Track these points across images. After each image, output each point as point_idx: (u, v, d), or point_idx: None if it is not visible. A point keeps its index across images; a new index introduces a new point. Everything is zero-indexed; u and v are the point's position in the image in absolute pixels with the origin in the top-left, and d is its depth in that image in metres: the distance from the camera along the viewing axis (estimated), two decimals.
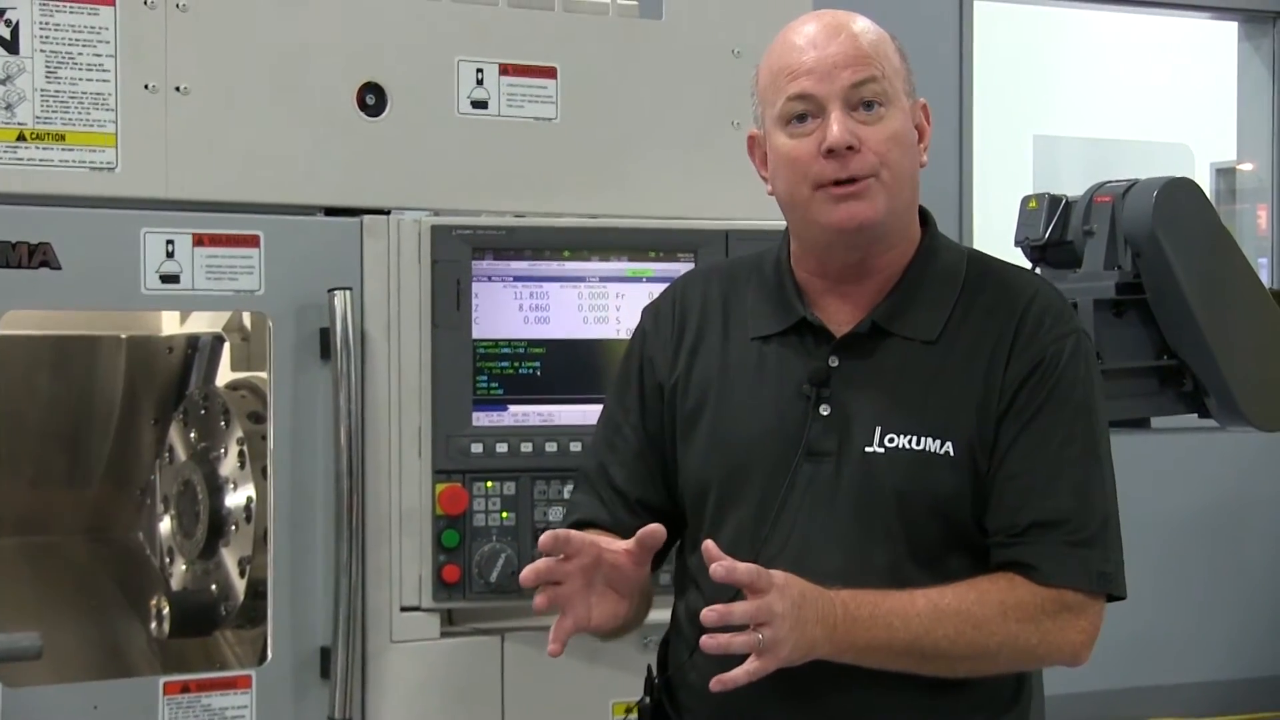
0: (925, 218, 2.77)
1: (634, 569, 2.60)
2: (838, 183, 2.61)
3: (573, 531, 2.59)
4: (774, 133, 2.67)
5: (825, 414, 2.66)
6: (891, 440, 2.63)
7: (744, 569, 2.42)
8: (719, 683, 2.44)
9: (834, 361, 2.68)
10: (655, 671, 2.89)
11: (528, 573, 2.56)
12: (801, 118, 2.63)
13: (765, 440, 2.68)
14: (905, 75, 2.67)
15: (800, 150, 2.63)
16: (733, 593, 2.49)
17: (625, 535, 2.64)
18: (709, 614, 2.41)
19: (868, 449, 2.64)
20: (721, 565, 2.42)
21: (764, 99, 2.70)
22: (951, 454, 2.62)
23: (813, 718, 2.65)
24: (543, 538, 2.55)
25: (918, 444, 2.63)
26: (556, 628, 2.59)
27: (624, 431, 2.85)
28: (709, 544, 2.46)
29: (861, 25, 2.67)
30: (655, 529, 2.55)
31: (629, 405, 2.86)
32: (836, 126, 2.59)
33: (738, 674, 2.43)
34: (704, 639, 2.42)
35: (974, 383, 2.64)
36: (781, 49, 2.68)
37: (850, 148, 2.59)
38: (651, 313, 2.90)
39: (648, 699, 2.85)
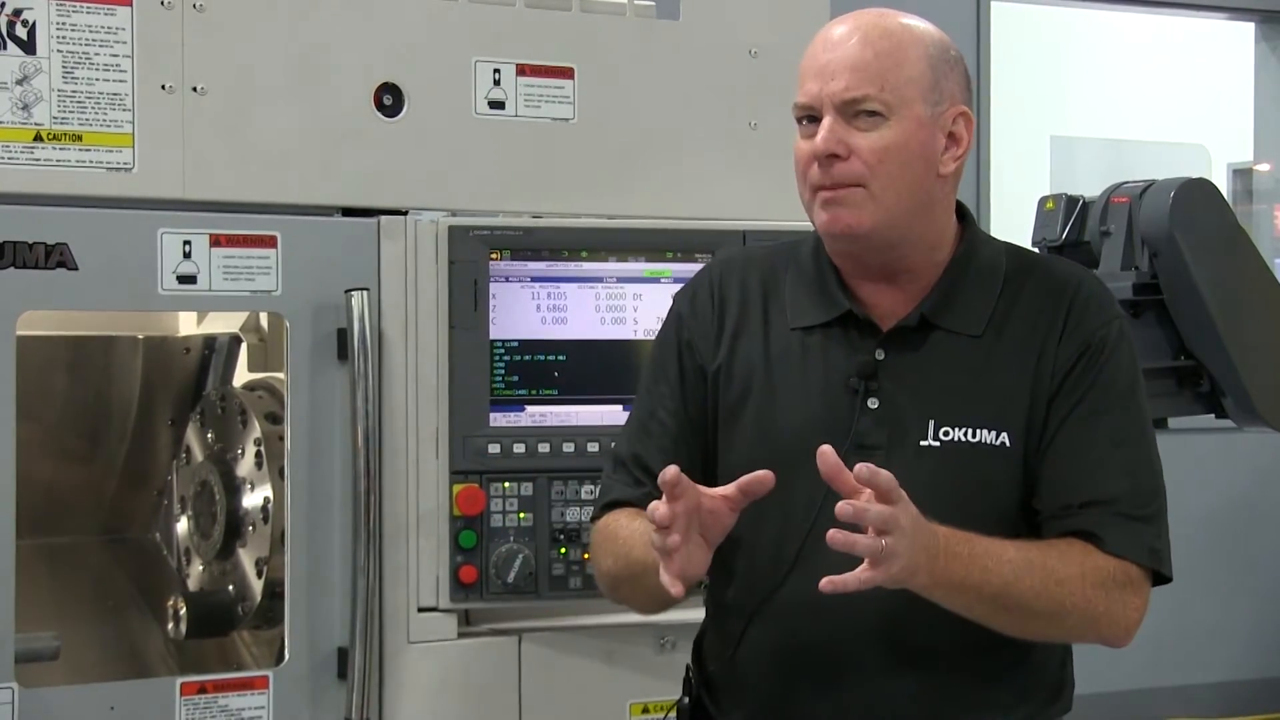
0: (964, 214, 2.78)
1: (729, 517, 2.52)
2: (825, 187, 2.63)
3: (680, 474, 2.47)
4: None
5: (874, 407, 2.66)
6: (946, 434, 2.64)
7: (885, 475, 2.37)
8: (830, 584, 2.37)
9: (880, 354, 2.68)
10: (693, 669, 2.88)
11: (664, 511, 2.44)
12: (812, 119, 2.65)
13: (812, 432, 2.63)
14: (929, 83, 2.64)
15: (801, 151, 2.66)
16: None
17: None
18: (843, 507, 2.35)
19: (922, 443, 2.65)
20: (865, 467, 2.37)
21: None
22: (1008, 444, 2.63)
23: (860, 708, 2.66)
24: (667, 471, 2.44)
25: (974, 436, 2.64)
26: (672, 571, 2.47)
27: (659, 416, 2.82)
28: (826, 448, 2.40)
29: (881, 30, 2.65)
30: (765, 475, 2.48)
31: (665, 390, 2.83)
32: (823, 134, 2.60)
33: (849, 578, 2.38)
34: (831, 533, 2.35)
35: (1025, 372, 2.65)
36: (810, 47, 2.69)
37: (836, 155, 2.60)
38: (687, 298, 2.87)
39: (686, 699, 2.85)
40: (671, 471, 2.44)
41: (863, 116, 2.60)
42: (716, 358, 2.79)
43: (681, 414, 2.81)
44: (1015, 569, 2.53)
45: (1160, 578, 2.65)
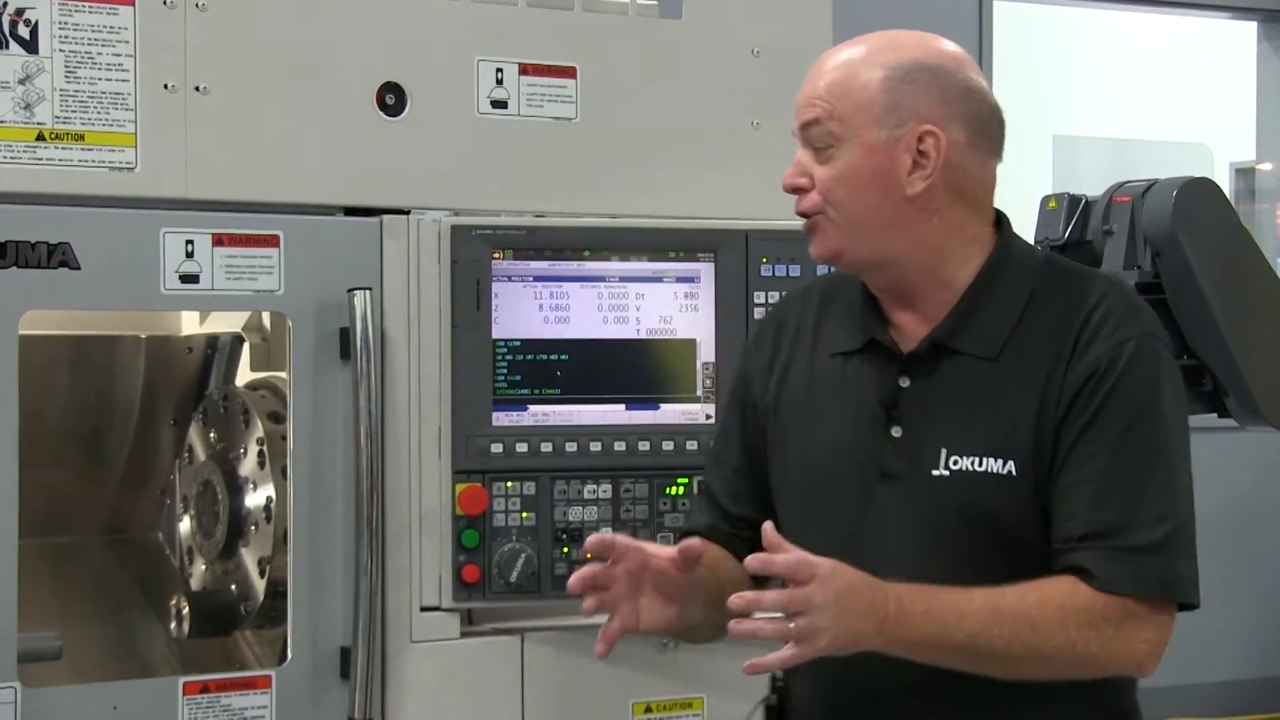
0: (1000, 226, 2.75)
1: (679, 576, 2.62)
2: (802, 217, 2.69)
3: (618, 536, 2.64)
4: None
5: (897, 436, 2.66)
6: (956, 462, 2.62)
7: (781, 561, 2.43)
8: (750, 667, 2.45)
9: (904, 382, 2.68)
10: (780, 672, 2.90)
11: (575, 579, 2.60)
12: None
13: (844, 461, 2.70)
14: (882, 107, 2.63)
15: None
16: None
17: (728, 545, 2.79)
18: (735, 600, 2.43)
19: (934, 472, 2.63)
20: (757, 559, 2.45)
21: None
22: (1014, 473, 2.59)
23: None
24: (589, 541, 2.61)
25: (979, 465, 2.61)
26: (605, 630, 2.62)
27: (727, 446, 2.92)
28: (767, 526, 2.49)
29: (837, 60, 2.68)
30: (693, 545, 2.59)
31: (731, 423, 2.93)
32: (789, 168, 2.68)
33: (771, 659, 2.45)
34: (732, 623, 2.43)
35: (1033, 397, 2.61)
36: None
37: (799, 188, 2.67)
38: (757, 329, 2.98)
39: (774, 696, 2.89)
40: (594, 541, 2.60)
41: (819, 145, 2.65)
42: (768, 390, 2.84)
43: (742, 447, 2.89)
44: (981, 620, 2.51)
45: (1187, 603, 2.62)
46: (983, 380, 2.64)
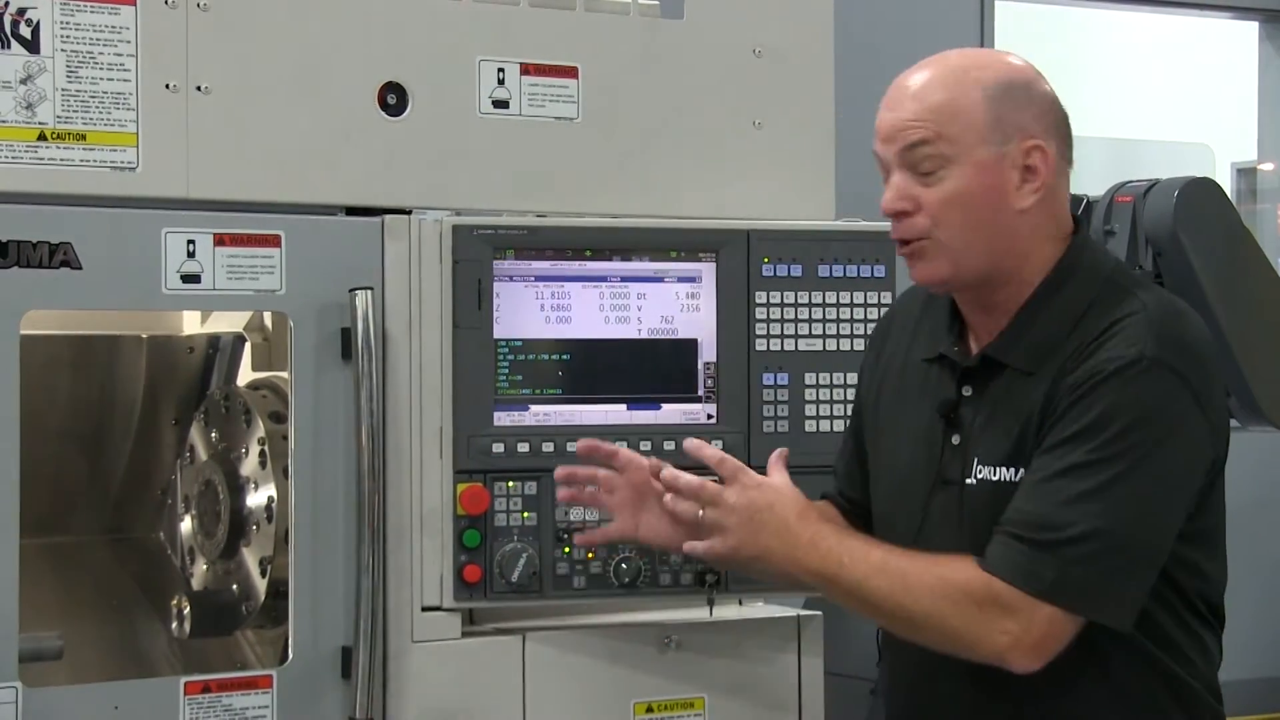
0: (1076, 230, 2.78)
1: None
2: (902, 241, 2.73)
3: (620, 448, 3.05)
4: None
5: (955, 443, 2.74)
6: (980, 472, 2.70)
7: (710, 452, 2.82)
8: (686, 548, 2.85)
9: (967, 390, 2.75)
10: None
11: (561, 470, 3.09)
12: (888, 172, 2.72)
13: (916, 463, 2.81)
14: (989, 124, 2.66)
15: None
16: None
17: (846, 518, 3.00)
18: (666, 473, 2.85)
19: (968, 480, 2.71)
20: (692, 442, 2.86)
21: None
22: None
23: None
24: (579, 444, 3.07)
25: (995, 475, 2.68)
26: (600, 529, 3.10)
27: (848, 432, 3.14)
28: (689, 441, 2.89)
29: (931, 81, 2.70)
30: (657, 466, 2.93)
31: (855, 412, 3.10)
32: (888, 193, 2.70)
33: (697, 545, 2.82)
34: (666, 497, 2.85)
35: (1039, 404, 2.64)
36: (883, 98, 2.76)
37: (902, 212, 2.69)
38: (877, 325, 3.13)
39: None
40: (583, 444, 3.05)
41: (925, 168, 2.66)
42: (872, 389, 2.98)
43: (856, 437, 3.06)
44: (870, 568, 2.65)
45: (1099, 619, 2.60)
46: (1019, 393, 2.69)
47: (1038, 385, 2.66)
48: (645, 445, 3.39)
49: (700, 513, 2.79)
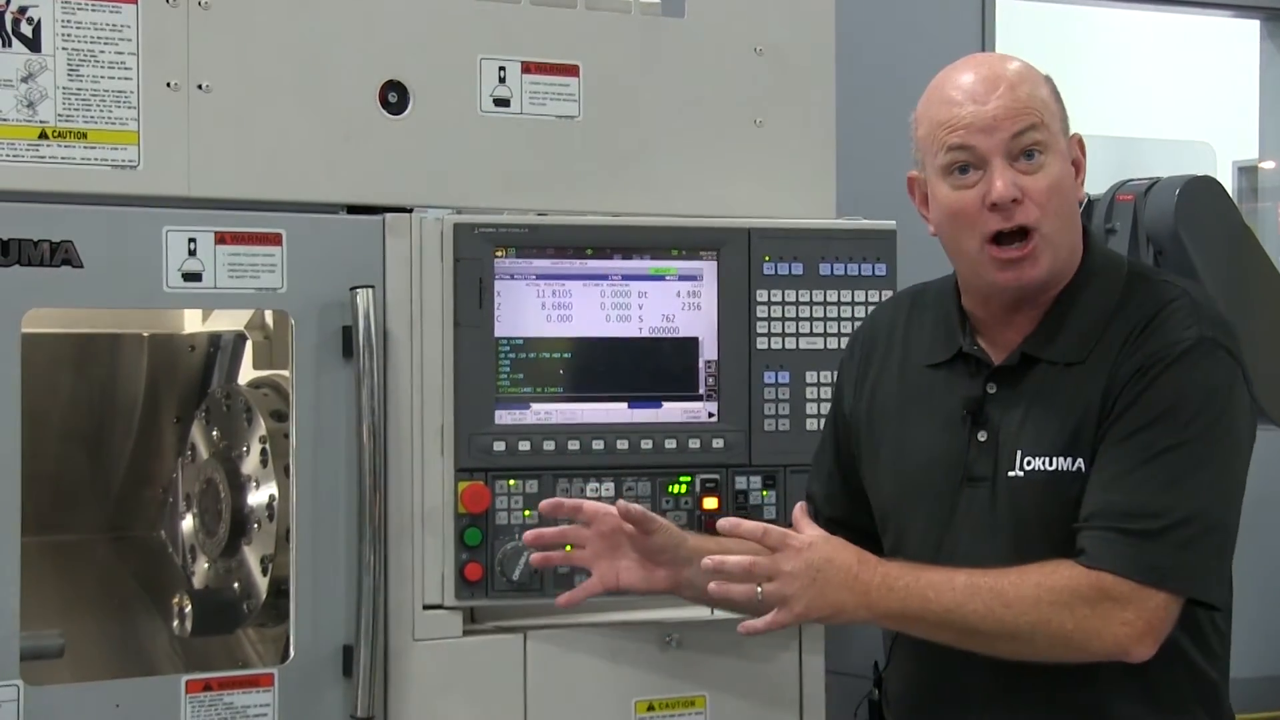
0: (1086, 233, 2.81)
1: (644, 540, 2.91)
2: (1002, 235, 2.66)
3: (584, 501, 3.01)
4: (936, 182, 2.73)
5: (982, 440, 2.74)
6: (1029, 463, 2.69)
7: (747, 527, 2.69)
8: (745, 629, 2.70)
9: (991, 388, 2.75)
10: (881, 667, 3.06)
11: (529, 534, 3.04)
12: (964, 169, 2.68)
13: (933, 465, 2.79)
14: (1061, 115, 2.72)
15: (965, 202, 2.68)
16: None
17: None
18: (707, 562, 2.69)
19: (1010, 474, 2.70)
20: (726, 521, 2.73)
21: (923, 148, 2.76)
22: (1083, 469, 2.65)
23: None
24: (542, 504, 3.06)
25: (1050, 464, 2.67)
26: (580, 587, 3.03)
27: (825, 449, 3.10)
28: (723, 521, 2.75)
29: (1016, 73, 2.71)
30: (628, 506, 2.89)
31: (829, 431, 3.09)
32: (1000, 180, 2.64)
33: (757, 623, 2.68)
34: (711, 585, 2.70)
35: (1096, 393, 2.66)
36: (940, 101, 2.72)
37: (1015, 200, 2.64)
38: (850, 340, 3.10)
39: (876, 690, 3.02)
40: (546, 504, 3.05)
41: (1023, 158, 2.66)
42: (859, 405, 2.96)
43: (836, 455, 3.05)
44: (959, 595, 2.60)
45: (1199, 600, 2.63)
46: (1059, 383, 2.70)
47: (1089, 375, 2.67)
48: (646, 443, 3.39)
49: (758, 591, 2.67)
